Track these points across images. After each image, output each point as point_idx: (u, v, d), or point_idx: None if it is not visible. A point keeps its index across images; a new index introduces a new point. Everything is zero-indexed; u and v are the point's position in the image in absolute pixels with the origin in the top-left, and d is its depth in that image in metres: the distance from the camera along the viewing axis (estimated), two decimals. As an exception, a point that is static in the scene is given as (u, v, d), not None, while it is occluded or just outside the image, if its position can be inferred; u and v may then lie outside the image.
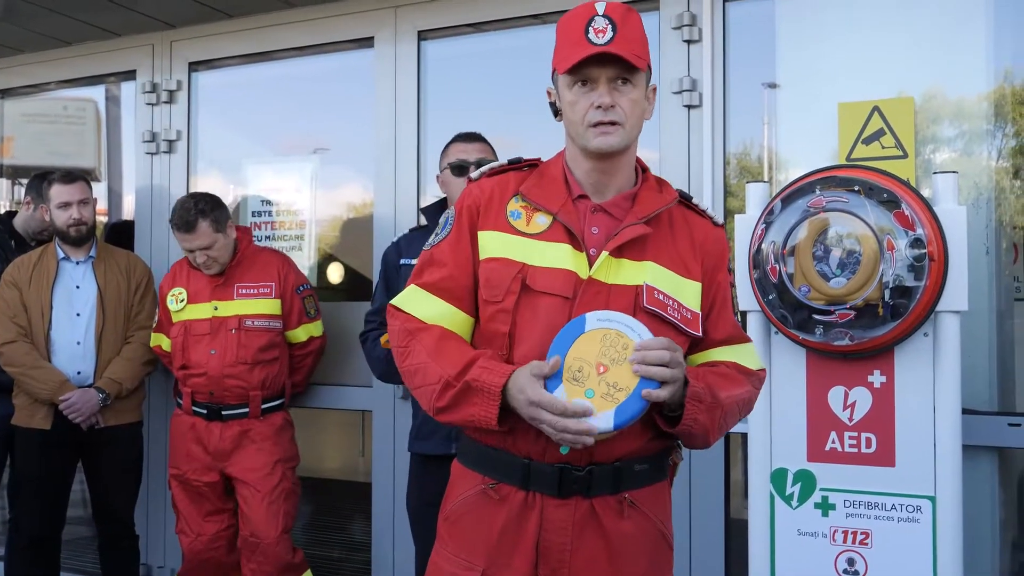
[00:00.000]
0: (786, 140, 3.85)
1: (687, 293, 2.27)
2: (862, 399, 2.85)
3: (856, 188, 2.76)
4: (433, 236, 2.40)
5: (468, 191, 2.38)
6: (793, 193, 2.88)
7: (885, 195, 2.73)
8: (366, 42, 4.56)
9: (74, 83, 5.50)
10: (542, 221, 2.28)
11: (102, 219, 5.42)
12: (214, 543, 4.22)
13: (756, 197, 3.05)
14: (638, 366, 2.06)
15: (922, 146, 3.47)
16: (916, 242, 2.68)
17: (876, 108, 3.37)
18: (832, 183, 2.82)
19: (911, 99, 3.38)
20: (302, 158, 4.95)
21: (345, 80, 4.86)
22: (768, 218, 2.89)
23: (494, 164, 2.42)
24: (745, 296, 2.98)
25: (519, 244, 2.27)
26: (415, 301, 2.34)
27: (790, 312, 2.83)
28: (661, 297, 2.22)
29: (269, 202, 4.91)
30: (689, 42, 3.81)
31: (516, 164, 2.40)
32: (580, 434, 2.05)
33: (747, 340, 2.41)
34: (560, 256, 2.24)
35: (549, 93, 2.36)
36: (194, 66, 5.01)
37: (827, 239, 2.77)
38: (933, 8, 3.52)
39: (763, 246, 2.88)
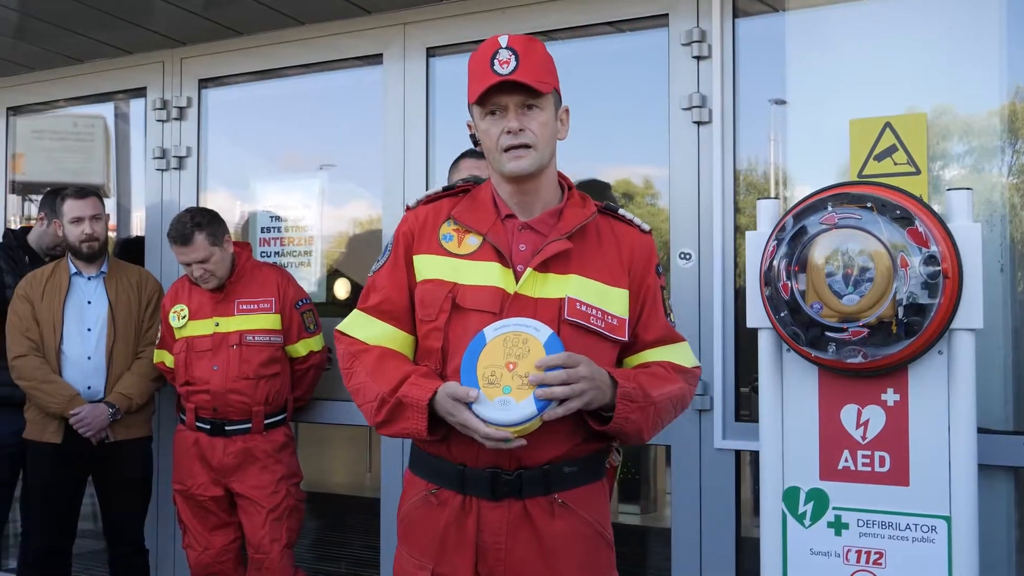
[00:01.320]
0: (794, 156, 3.84)
1: (613, 301, 2.42)
2: (875, 417, 2.83)
3: (869, 205, 2.75)
4: (375, 263, 2.59)
5: (404, 219, 2.56)
6: (805, 210, 2.86)
7: (898, 212, 2.72)
8: (375, 59, 4.57)
9: (85, 100, 5.52)
10: (473, 242, 2.45)
11: (112, 235, 5.42)
12: (221, 556, 4.23)
13: (767, 214, 3.04)
14: (540, 388, 2.21)
15: (932, 162, 3.45)
16: (930, 259, 2.67)
17: (888, 124, 3.36)
18: (844, 199, 2.81)
19: (923, 115, 3.37)
20: (310, 174, 4.96)
21: (354, 96, 4.87)
22: (780, 235, 2.88)
23: (430, 192, 2.59)
24: (756, 313, 2.97)
25: (450, 265, 2.44)
26: (358, 325, 2.54)
27: (802, 329, 2.81)
28: (583, 308, 2.37)
29: (278, 218, 4.92)
30: (699, 58, 3.81)
31: (450, 190, 2.58)
32: (502, 440, 2.22)
33: (680, 340, 2.57)
34: (489, 274, 2.40)
35: (469, 126, 2.53)
36: (204, 83, 5.02)
37: (839, 256, 2.75)
38: (944, 24, 3.52)
39: (774, 263, 2.86)
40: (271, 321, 4.24)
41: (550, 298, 2.37)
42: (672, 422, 2.54)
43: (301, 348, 4.32)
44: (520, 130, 2.35)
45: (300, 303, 4.34)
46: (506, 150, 2.36)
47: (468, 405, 2.24)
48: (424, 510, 2.47)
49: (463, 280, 2.41)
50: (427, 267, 2.46)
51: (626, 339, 2.45)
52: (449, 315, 2.39)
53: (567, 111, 2.48)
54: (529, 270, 2.37)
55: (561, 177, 2.53)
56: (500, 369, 2.25)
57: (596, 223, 2.48)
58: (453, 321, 2.39)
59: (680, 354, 2.54)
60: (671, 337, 2.54)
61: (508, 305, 2.35)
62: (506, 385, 2.23)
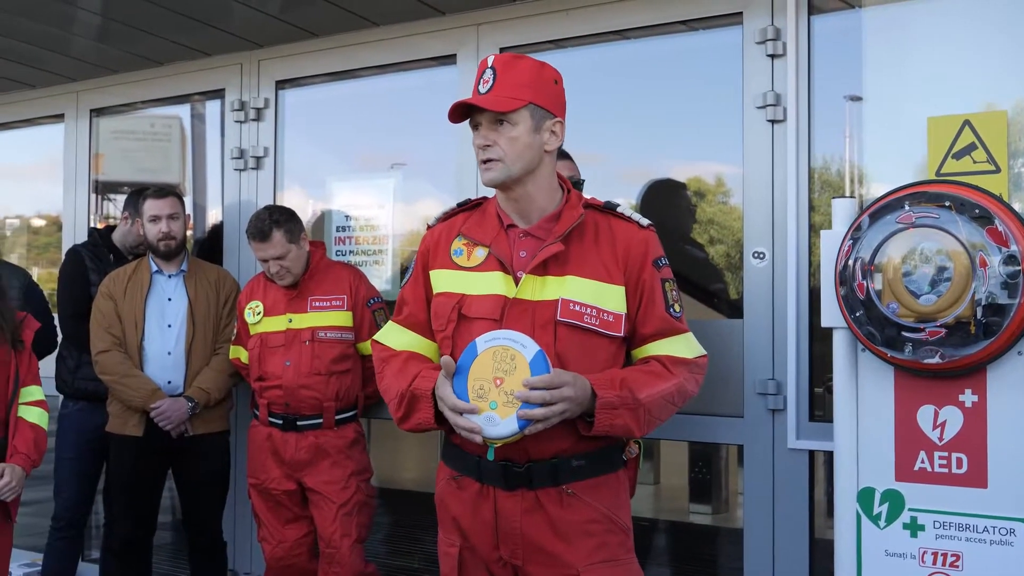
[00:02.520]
0: (870, 154, 3.80)
1: (609, 298, 2.57)
2: (952, 418, 2.79)
3: (947, 203, 2.72)
4: (403, 278, 2.84)
5: (424, 238, 2.78)
6: (881, 208, 2.84)
7: (977, 211, 2.68)
8: (449, 59, 4.61)
9: (165, 102, 5.63)
10: (480, 254, 2.65)
11: (190, 233, 5.53)
12: (295, 550, 4.30)
13: (842, 213, 3.01)
14: (522, 408, 2.38)
15: (1012, 160, 3.39)
16: (1010, 259, 2.63)
17: (967, 122, 3.31)
18: (922, 199, 2.78)
19: (1003, 112, 3.32)
20: (384, 173, 5.01)
21: (428, 96, 4.91)
22: (855, 234, 2.86)
23: (446, 209, 2.79)
24: (831, 313, 2.94)
25: (460, 278, 2.64)
26: (390, 334, 2.80)
27: (878, 329, 2.79)
28: (578, 308, 2.53)
29: (352, 217, 4.98)
30: (773, 56, 3.78)
31: (464, 206, 2.78)
32: (470, 431, 2.41)
33: (682, 331, 2.67)
34: (492, 283, 2.59)
35: None
36: (281, 84, 5.10)
37: (917, 256, 2.72)
38: (1022, 19, 3.45)
39: (850, 262, 2.84)
40: (343, 318, 4.30)
41: (547, 300, 2.54)
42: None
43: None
44: (486, 146, 2.55)
45: (372, 301, 4.40)
46: (481, 162, 2.57)
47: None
48: (449, 493, 2.68)
49: (470, 291, 2.60)
50: (440, 281, 2.68)
51: (623, 334, 2.59)
52: (456, 324, 2.59)
53: (560, 123, 2.63)
54: (525, 275, 2.55)
55: (561, 180, 2.70)
56: (488, 384, 2.42)
57: (594, 222, 2.64)
58: (460, 329, 2.58)
59: (680, 346, 2.65)
60: (671, 329, 2.65)
61: (508, 310, 2.54)
62: (492, 400, 2.41)
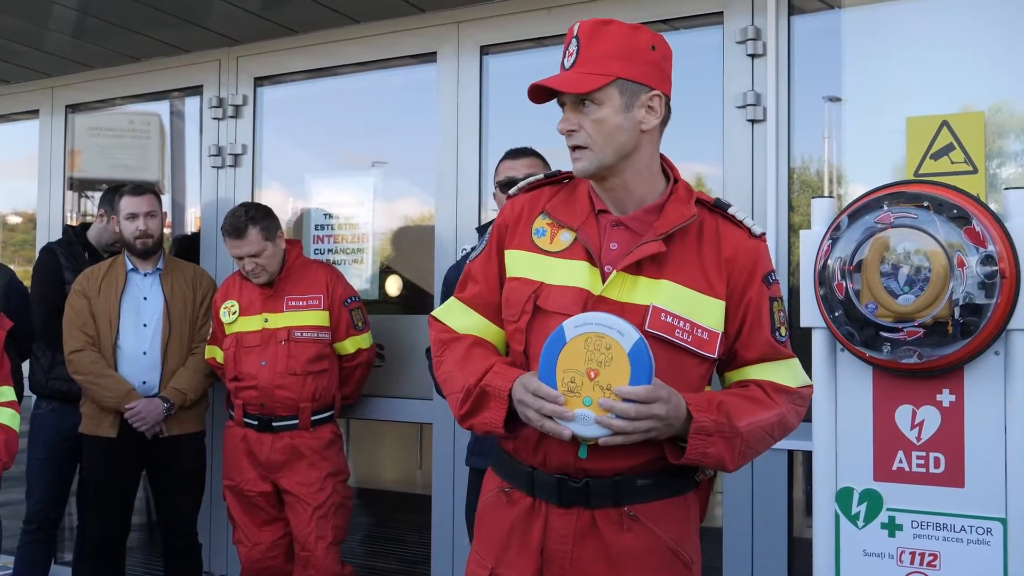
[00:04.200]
0: (849, 155, 3.81)
1: (707, 312, 2.22)
2: (930, 418, 2.79)
3: (925, 204, 2.72)
4: (474, 251, 2.48)
5: (503, 209, 2.42)
6: (860, 209, 2.84)
7: (955, 211, 2.68)
8: (429, 57, 4.60)
9: (142, 98, 5.60)
10: (565, 238, 2.29)
11: (168, 231, 5.50)
12: (271, 552, 4.27)
13: (821, 212, 3.01)
14: (603, 417, 2.07)
15: (988, 161, 3.41)
16: (987, 259, 2.63)
17: (945, 123, 3.32)
18: (900, 199, 2.78)
19: (981, 113, 3.33)
20: (364, 172, 4.99)
21: (408, 95, 4.90)
22: (835, 234, 2.86)
23: (532, 179, 2.43)
24: (810, 313, 2.94)
25: (539, 263, 2.29)
26: (452, 313, 2.43)
27: (857, 329, 2.79)
28: (669, 319, 2.18)
29: (331, 215, 4.96)
30: (753, 56, 3.79)
31: (553, 177, 2.42)
32: (558, 427, 2.08)
33: (788, 356, 2.33)
34: (576, 274, 2.24)
35: None
36: (260, 81, 5.08)
37: (895, 256, 2.73)
38: (1000, 21, 3.47)
39: (829, 262, 2.84)
40: (319, 318, 4.27)
41: (636, 304, 2.19)
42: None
43: (349, 345, 4.35)
44: (570, 131, 2.21)
45: (349, 300, 4.37)
46: (570, 150, 2.24)
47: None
48: (495, 507, 2.36)
49: (550, 279, 2.26)
50: (516, 264, 2.33)
51: (716, 356, 2.24)
52: (531, 316, 2.26)
53: (658, 96, 2.22)
54: (615, 272, 2.20)
55: (668, 167, 2.34)
56: (581, 376, 2.10)
57: (700, 221, 2.27)
58: (535, 323, 2.25)
59: (785, 373, 2.31)
60: (776, 354, 2.30)
61: (590, 308, 2.19)
62: (587, 397, 2.09)
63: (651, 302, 2.19)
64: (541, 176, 2.43)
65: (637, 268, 2.21)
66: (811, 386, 2.40)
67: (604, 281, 2.21)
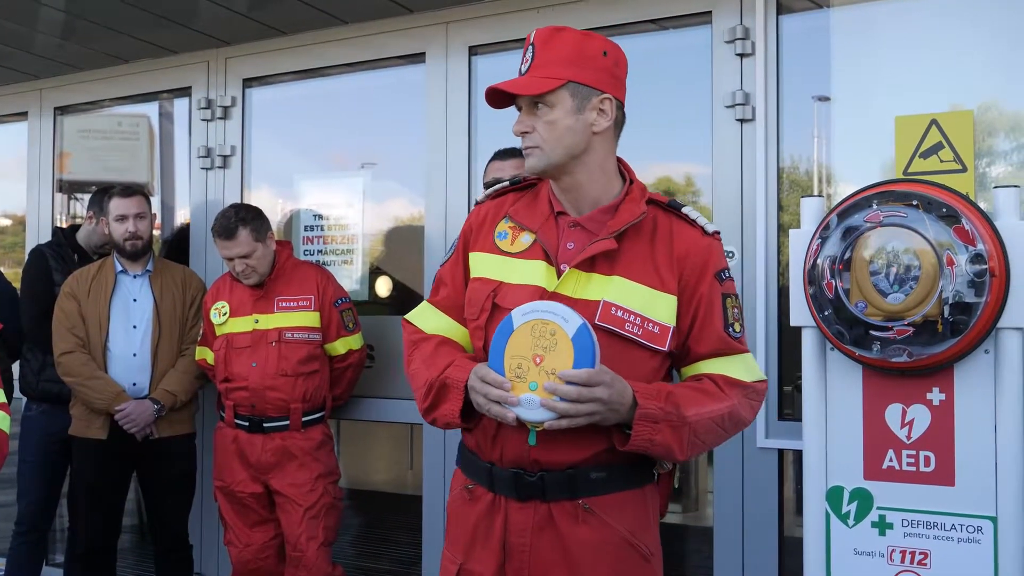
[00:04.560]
0: (839, 154, 3.81)
1: (658, 307, 2.30)
2: (920, 417, 2.80)
3: (914, 202, 2.73)
4: (444, 256, 2.58)
5: (470, 215, 2.54)
6: (849, 208, 2.84)
7: (944, 209, 2.69)
8: (418, 58, 4.59)
9: (130, 100, 5.58)
10: (526, 240, 2.39)
11: (157, 233, 5.49)
12: (262, 553, 4.26)
13: (811, 212, 3.02)
14: (547, 400, 2.14)
15: (978, 159, 3.41)
16: (977, 257, 2.64)
17: (934, 121, 3.33)
18: (889, 197, 2.78)
19: (970, 112, 3.34)
20: (353, 173, 4.99)
21: (397, 95, 4.89)
22: (824, 233, 2.86)
23: (498, 186, 2.54)
24: (800, 312, 2.95)
25: (499, 263, 2.40)
26: (422, 315, 2.55)
27: (846, 328, 2.79)
28: (620, 313, 2.27)
29: (321, 216, 4.95)
30: (742, 56, 3.79)
31: (517, 184, 2.52)
32: (502, 411, 2.16)
33: (742, 351, 2.39)
34: (533, 273, 2.34)
35: None
36: (248, 82, 5.07)
37: (885, 254, 2.73)
38: (989, 19, 3.48)
39: (819, 261, 2.84)
40: (310, 319, 4.27)
41: (588, 300, 2.28)
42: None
43: (340, 346, 4.35)
44: (524, 132, 2.32)
45: (339, 301, 4.36)
46: (524, 149, 2.35)
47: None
48: (460, 505, 2.46)
49: (508, 279, 2.36)
50: (479, 265, 2.44)
51: (666, 349, 2.31)
52: (490, 314, 2.35)
53: (609, 99, 2.33)
54: (569, 269, 2.30)
55: (625, 169, 2.44)
56: (527, 361, 2.17)
57: (655, 220, 2.36)
58: (493, 320, 2.33)
59: (738, 367, 2.37)
60: (729, 349, 2.36)
61: None
62: (532, 381, 2.16)
63: (603, 297, 2.28)
64: (507, 183, 2.53)
65: (591, 265, 2.30)
66: (765, 380, 2.45)
67: (559, 278, 2.30)
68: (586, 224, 2.36)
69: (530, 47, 2.33)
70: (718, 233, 2.41)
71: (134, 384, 4.37)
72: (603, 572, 2.29)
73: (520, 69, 2.34)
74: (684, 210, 2.39)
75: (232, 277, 4.33)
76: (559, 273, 2.32)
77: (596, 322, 2.24)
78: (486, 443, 2.36)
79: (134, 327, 4.43)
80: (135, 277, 4.50)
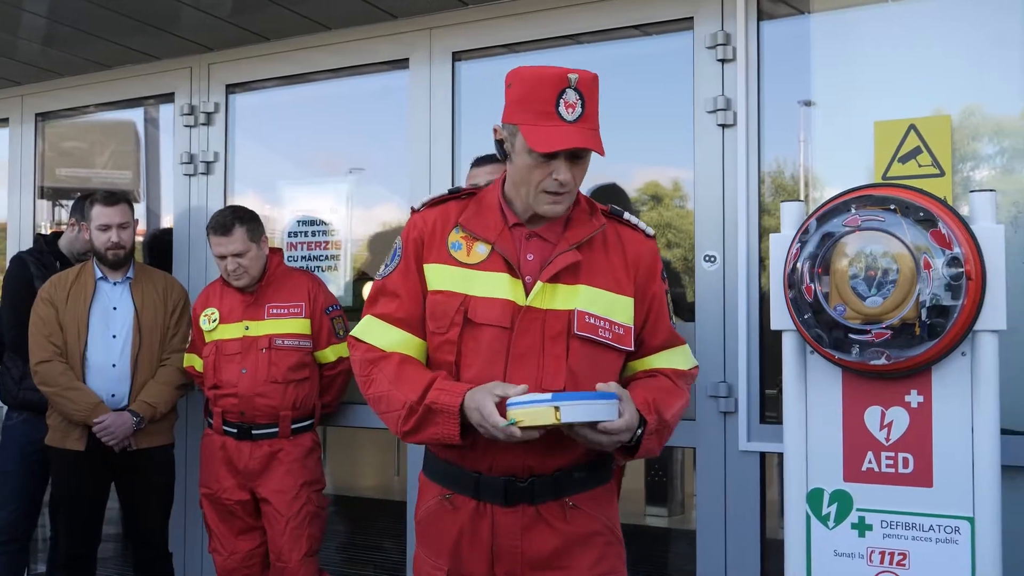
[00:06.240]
0: (821, 158, 3.83)
1: (620, 309, 2.46)
2: (899, 419, 2.82)
3: (892, 207, 2.74)
4: (383, 267, 2.57)
5: (412, 223, 2.53)
6: (828, 212, 2.86)
7: (921, 214, 2.71)
8: (401, 63, 4.59)
9: (113, 106, 5.57)
10: (481, 250, 2.45)
11: (139, 239, 5.47)
12: (248, 561, 4.24)
13: (791, 216, 3.03)
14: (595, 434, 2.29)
15: (961, 164, 3.43)
16: (953, 261, 2.66)
17: (912, 126, 3.35)
18: (868, 202, 2.80)
19: (948, 117, 3.36)
20: (338, 178, 4.99)
21: (381, 101, 4.89)
22: (803, 237, 2.88)
23: (435, 195, 2.57)
24: (780, 315, 2.96)
25: (460, 275, 2.44)
26: (374, 331, 2.53)
27: (825, 331, 2.81)
28: (592, 320, 2.40)
29: (306, 222, 4.95)
30: (723, 61, 3.81)
31: (456, 193, 2.56)
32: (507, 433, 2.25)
33: (681, 342, 2.64)
34: (498, 285, 2.41)
35: (496, 131, 2.45)
36: (231, 88, 5.06)
37: (863, 258, 2.75)
38: (970, 25, 3.50)
39: (798, 265, 2.86)
40: (301, 326, 4.25)
41: (559, 310, 2.40)
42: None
43: (330, 354, 4.33)
44: (564, 182, 2.35)
45: (330, 309, 4.35)
46: (547, 192, 2.36)
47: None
48: (439, 515, 2.53)
49: (474, 291, 2.41)
50: (437, 277, 2.46)
51: (631, 348, 2.49)
52: (461, 328, 2.41)
53: None
54: (540, 283, 2.40)
55: None
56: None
57: (603, 230, 2.51)
58: (466, 335, 2.41)
59: (680, 358, 2.61)
60: (675, 340, 2.61)
61: (519, 318, 2.38)
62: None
63: (573, 307, 2.39)
64: (446, 192, 2.58)
65: (555, 277, 2.41)
66: (698, 367, 2.69)
67: (527, 291, 2.40)
68: (544, 235, 2.45)
69: (574, 92, 2.29)
70: (655, 235, 2.62)
71: (112, 395, 4.29)
72: (593, 554, 2.48)
73: (559, 112, 2.28)
74: (625, 216, 2.57)
75: (222, 283, 4.31)
76: (526, 285, 2.41)
77: (576, 331, 2.38)
78: (473, 453, 2.42)
79: (113, 336, 4.35)
80: (115, 284, 4.42)
